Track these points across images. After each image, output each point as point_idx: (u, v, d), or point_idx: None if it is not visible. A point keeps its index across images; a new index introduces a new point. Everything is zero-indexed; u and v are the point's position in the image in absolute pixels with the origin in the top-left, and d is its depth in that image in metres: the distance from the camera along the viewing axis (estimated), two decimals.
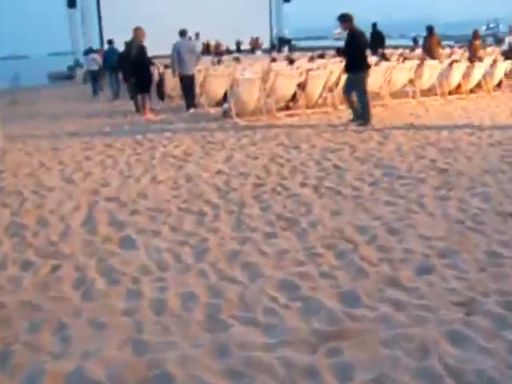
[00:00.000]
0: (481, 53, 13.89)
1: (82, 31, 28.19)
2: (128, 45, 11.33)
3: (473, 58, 12.77)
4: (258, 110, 9.80)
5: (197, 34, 22.49)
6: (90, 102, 14.93)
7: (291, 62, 13.25)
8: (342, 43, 9.79)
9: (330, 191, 5.19)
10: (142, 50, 10.90)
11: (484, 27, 61.71)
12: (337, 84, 10.09)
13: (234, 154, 7.00)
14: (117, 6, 27.04)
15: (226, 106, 9.86)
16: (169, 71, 13.01)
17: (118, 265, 3.67)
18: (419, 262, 3.54)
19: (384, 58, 11.46)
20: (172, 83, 12.87)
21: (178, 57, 11.01)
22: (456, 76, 11.05)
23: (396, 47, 25.19)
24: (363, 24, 9.41)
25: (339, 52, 16.56)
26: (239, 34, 29.53)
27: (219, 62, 16.71)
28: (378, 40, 18.00)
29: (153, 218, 4.62)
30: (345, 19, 8.62)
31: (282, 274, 3.44)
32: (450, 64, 11.01)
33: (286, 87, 9.42)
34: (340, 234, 4.07)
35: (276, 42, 33.49)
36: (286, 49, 31.14)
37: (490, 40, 30.19)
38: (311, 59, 14.43)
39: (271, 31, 33.88)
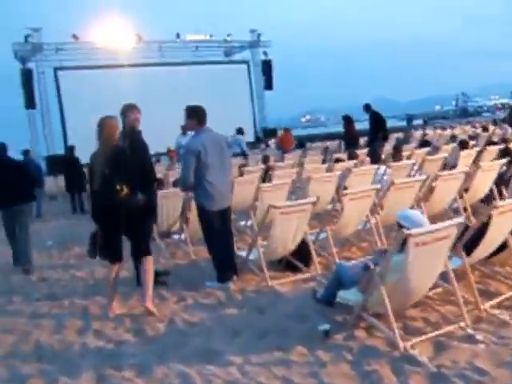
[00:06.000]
0: None
1: (43, 133, 24.33)
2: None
3: None
4: None
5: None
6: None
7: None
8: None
9: None
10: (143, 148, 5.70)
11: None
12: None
13: None
14: (79, 99, 21.99)
15: (352, 299, 4.24)
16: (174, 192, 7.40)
17: None
18: None
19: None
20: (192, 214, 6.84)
21: (196, 170, 5.44)
22: None
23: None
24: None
25: None
26: (219, 125, 25.50)
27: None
28: (378, 122, 13.98)
29: None
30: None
31: None
32: None
33: None
34: None
35: (260, 133, 29.65)
36: (272, 141, 27.20)
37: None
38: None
39: (254, 121, 29.99)
